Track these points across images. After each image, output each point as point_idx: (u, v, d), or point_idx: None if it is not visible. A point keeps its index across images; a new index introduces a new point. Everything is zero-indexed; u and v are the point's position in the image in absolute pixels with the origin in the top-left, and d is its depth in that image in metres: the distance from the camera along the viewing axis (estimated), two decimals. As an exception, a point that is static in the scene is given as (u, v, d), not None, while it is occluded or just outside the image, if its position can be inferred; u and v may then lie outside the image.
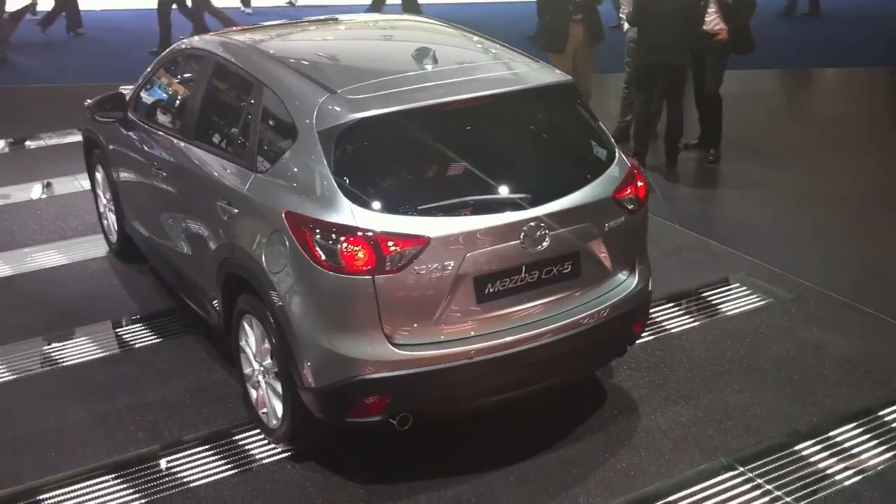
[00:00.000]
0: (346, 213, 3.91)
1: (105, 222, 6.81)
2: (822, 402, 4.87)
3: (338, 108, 4.11)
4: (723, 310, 5.89)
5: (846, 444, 4.52)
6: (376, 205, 3.93)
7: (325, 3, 15.97)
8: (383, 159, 4.14)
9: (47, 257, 6.84)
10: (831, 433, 4.61)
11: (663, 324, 5.66)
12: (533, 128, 4.56)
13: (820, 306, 5.90)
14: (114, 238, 6.67)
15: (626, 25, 8.79)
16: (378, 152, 4.14)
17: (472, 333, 4.06)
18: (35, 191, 8.30)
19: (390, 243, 3.85)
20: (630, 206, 4.39)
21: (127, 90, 5.99)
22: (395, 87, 4.26)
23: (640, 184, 4.47)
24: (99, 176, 6.67)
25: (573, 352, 4.31)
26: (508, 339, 4.08)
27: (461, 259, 3.93)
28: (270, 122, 4.45)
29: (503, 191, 4.12)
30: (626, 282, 4.47)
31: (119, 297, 6.21)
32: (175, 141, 5.18)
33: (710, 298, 6.05)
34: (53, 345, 5.63)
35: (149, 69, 5.84)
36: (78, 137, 9.65)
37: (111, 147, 6.15)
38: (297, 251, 3.98)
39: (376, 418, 4.06)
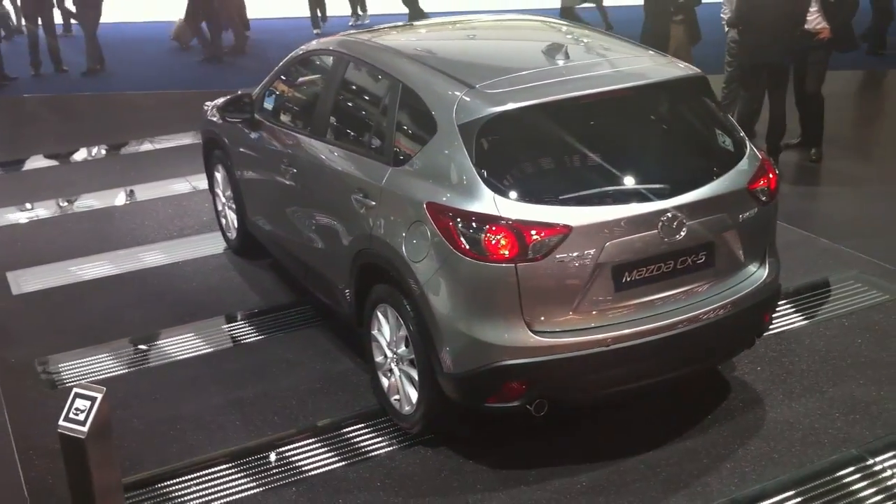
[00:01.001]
0: (489, 202, 4.03)
1: (223, 220, 7.05)
2: (950, 396, 4.86)
3: (478, 102, 4.24)
4: (840, 306, 5.88)
5: (979, 437, 4.51)
6: (518, 195, 4.05)
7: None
8: (522, 151, 4.26)
9: (169, 254, 7.11)
10: (962, 426, 4.60)
11: (781, 319, 5.65)
12: (666, 120, 4.64)
13: (939, 303, 5.86)
14: (232, 235, 6.91)
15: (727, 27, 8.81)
16: (517, 144, 4.26)
17: (609, 321, 4.15)
18: (148, 192, 8.61)
19: (533, 232, 3.96)
20: (763, 198, 4.45)
21: (252, 91, 6.20)
22: (532, 82, 4.38)
23: (771, 175, 4.51)
24: (219, 175, 6.90)
25: (706, 341, 4.37)
26: (644, 327, 4.16)
27: (601, 248, 4.03)
28: (408, 118, 4.60)
29: (641, 181, 4.20)
30: (757, 273, 4.52)
31: (241, 290, 6.44)
32: (306, 139, 5.37)
33: (825, 294, 6.05)
34: (185, 335, 5.86)
35: (274, 71, 6.04)
36: (182, 141, 10.09)
37: (235, 147, 6.37)
38: (439, 240, 4.11)
39: (514, 404, 4.17)
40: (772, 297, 4.62)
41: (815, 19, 8.23)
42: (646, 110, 4.54)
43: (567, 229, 3.97)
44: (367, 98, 5.17)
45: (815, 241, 6.88)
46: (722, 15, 8.96)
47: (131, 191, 8.69)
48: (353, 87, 5.26)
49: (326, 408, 4.98)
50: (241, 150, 6.28)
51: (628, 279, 4.14)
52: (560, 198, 4.06)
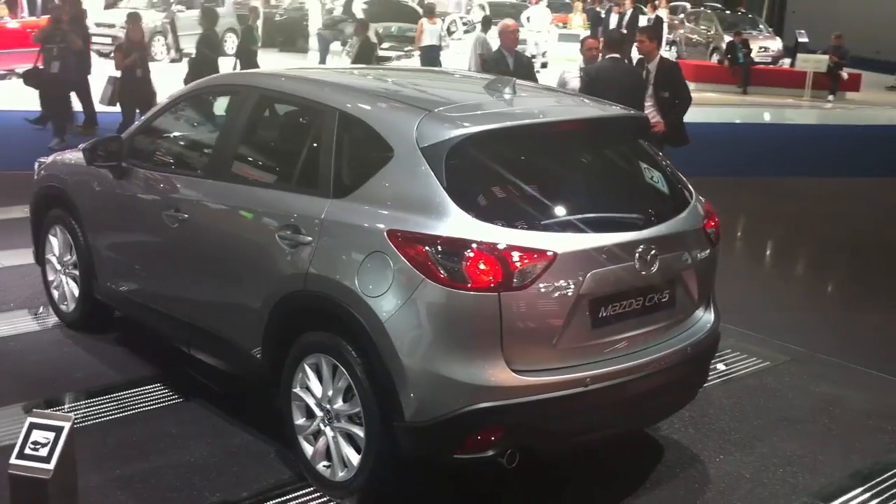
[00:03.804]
0: (466, 226, 3.67)
1: (55, 292, 6.12)
2: (868, 447, 4.91)
3: (442, 125, 3.90)
4: (729, 371, 5.90)
5: (913, 481, 4.56)
6: (496, 219, 3.71)
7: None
8: (493, 175, 3.94)
9: (-11, 330, 6.07)
10: (890, 473, 4.63)
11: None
12: (628, 154, 4.48)
13: (818, 366, 6.02)
14: (69, 308, 6.00)
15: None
16: (487, 168, 3.94)
17: (586, 360, 3.84)
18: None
19: (517, 257, 3.63)
20: (713, 239, 4.37)
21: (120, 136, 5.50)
22: (489, 109, 4.13)
23: (716, 219, 4.47)
24: (55, 239, 6.00)
25: (672, 385, 4.17)
26: (620, 366, 3.89)
27: (583, 278, 3.75)
28: (350, 146, 4.17)
29: (614, 211, 4.02)
30: (705, 317, 4.41)
31: (90, 365, 5.55)
32: (203, 181, 4.76)
33: (714, 361, 6.06)
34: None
35: (151, 112, 5.40)
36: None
37: (89, 202, 5.58)
38: (407, 270, 3.67)
39: (488, 454, 3.72)
40: (715, 344, 4.51)
41: (650, 113, 8.61)
42: (607, 142, 4.39)
43: (552, 256, 3.67)
44: (289, 131, 4.69)
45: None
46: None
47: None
48: (270, 121, 4.77)
49: (233, 482, 4.27)
50: (99, 204, 5.50)
51: (604, 314, 3.87)
52: (542, 223, 3.77)
